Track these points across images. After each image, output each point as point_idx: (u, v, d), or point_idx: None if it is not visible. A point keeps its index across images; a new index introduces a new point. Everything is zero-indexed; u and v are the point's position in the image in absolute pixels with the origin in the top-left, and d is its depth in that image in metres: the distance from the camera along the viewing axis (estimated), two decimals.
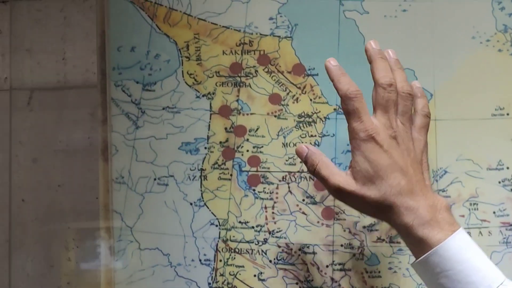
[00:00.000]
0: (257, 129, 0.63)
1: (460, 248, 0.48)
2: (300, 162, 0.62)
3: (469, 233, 0.60)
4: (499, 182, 0.63)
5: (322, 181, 0.53)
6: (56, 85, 0.80)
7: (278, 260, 0.62)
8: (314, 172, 0.53)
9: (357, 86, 0.52)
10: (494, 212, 0.62)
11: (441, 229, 0.49)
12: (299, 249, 0.62)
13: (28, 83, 0.81)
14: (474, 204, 0.63)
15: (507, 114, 0.62)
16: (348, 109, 0.52)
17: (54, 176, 0.78)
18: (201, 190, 0.63)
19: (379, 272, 0.61)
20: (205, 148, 0.63)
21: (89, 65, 0.81)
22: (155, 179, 0.63)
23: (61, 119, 0.79)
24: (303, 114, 0.63)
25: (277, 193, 0.63)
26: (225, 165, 0.63)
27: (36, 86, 0.81)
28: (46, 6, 0.80)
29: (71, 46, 0.81)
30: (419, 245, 0.49)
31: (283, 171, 0.63)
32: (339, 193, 0.51)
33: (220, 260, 0.62)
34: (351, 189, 0.51)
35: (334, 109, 0.63)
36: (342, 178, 0.51)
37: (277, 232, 0.63)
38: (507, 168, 0.62)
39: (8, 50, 0.82)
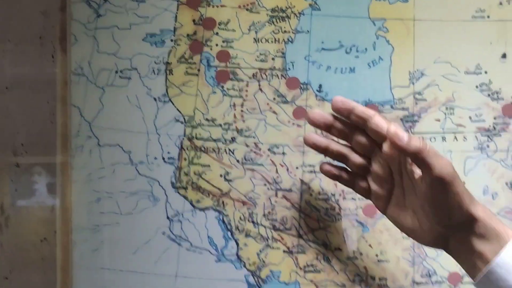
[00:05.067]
0: (228, 22, 0.59)
1: None
2: (272, 58, 0.59)
3: (444, 138, 0.58)
4: (476, 87, 0.60)
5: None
6: None
7: (246, 160, 0.59)
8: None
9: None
10: (470, 117, 0.60)
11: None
12: (268, 149, 0.60)
13: None
14: (450, 108, 0.60)
15: (488, 17, 0.60)
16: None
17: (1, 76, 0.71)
18: (166, 85, 0.59)
19: None
20: (171, 40, 0.59)
21: None
22: (117, 72, 0.59)
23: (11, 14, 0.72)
24: (276, 8, 0.60)
25: (246, 90, 0.60)
26: (192, 59, 0.59)
27: None
28: None
29: None
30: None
31: (254, 68, 0.59)
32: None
33: (185, 159, 0.59)
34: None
35: (310, 5, 0.60)
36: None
37: (245, 131, 0.60)
38: (485, 72, 0.60)
39: None
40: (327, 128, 0.51)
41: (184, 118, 0.59)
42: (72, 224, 0.59)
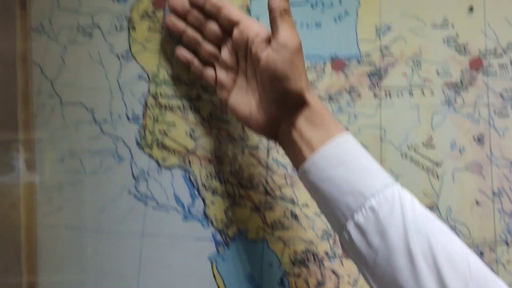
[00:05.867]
0: None
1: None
2: None
3: (411, 92, 0.58)
4: (443, 41, 0.60)
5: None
6: None
7: (212, 117, 0.59)
8: None
9: None
10: (437, 72, 0.60)
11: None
12: None
13: None
14: (417, 62, 0.60)
15: None
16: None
17: None
18: (129, 42, 0.58)
19: None
20: None
21: None
22: (78, 29, 0.58)
23: None
24: None
25: None
26: (155, 14, 0.58)
27: None
28: None
29: None
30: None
31: None
32: None
33: (150, 117, 0.58)
34: None
35: None
36: None
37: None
38: (452, 26, 0.60)
39: None
40: (185, 13, 0.55)
41: (148, 75, 0.58)
42: (36, 183, 0.58)
